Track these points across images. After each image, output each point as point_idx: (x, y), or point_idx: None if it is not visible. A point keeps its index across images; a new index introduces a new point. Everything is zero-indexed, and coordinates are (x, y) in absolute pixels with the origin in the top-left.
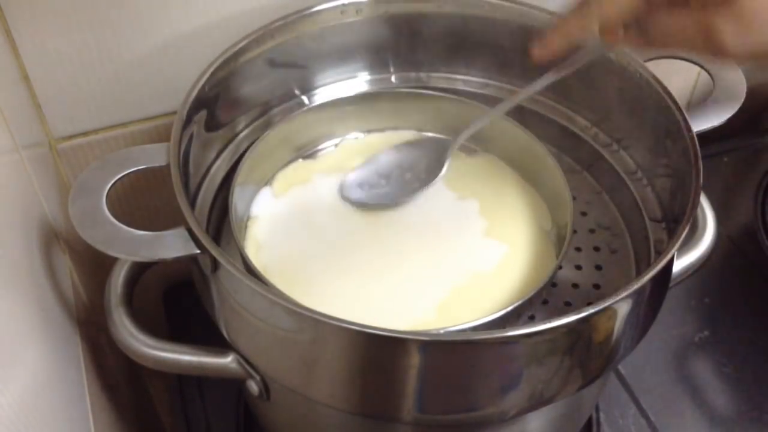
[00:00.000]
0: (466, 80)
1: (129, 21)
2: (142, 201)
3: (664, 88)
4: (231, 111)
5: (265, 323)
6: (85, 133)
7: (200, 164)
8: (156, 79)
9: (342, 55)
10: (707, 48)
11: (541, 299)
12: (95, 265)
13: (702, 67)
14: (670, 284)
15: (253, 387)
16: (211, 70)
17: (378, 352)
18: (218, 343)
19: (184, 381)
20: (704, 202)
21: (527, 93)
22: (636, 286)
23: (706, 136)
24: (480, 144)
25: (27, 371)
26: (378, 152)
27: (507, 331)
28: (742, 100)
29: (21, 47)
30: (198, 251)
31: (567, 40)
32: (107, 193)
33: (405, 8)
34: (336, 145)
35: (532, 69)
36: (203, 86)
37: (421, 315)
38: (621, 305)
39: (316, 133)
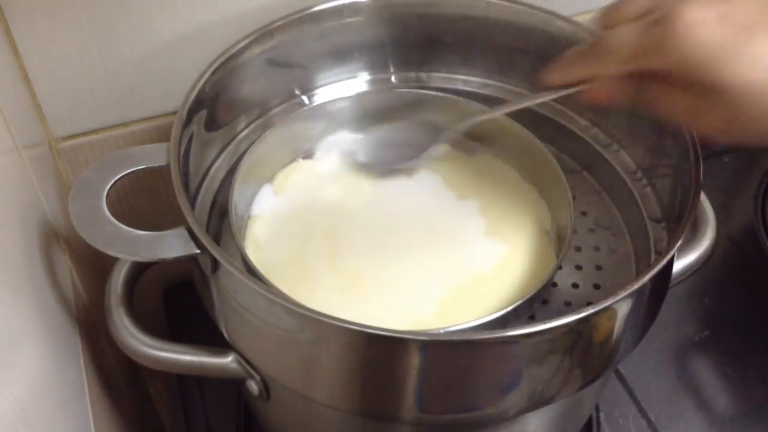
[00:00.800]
0: (466, 80)
1: (129, 21)
2: (142, 201)
3: None
4: (231, 111)
5: (265, 323)
6: (85, 133)
7: (200, 164)
8: (156, 79)
9: (342, 55)
10: (693, 128)
11: (541, 299)
12: (95, 265)
13: None
14: (670, 284)
15: (253, 387)
16: (211, 70)
17: (378, 352)
18: (218, 343)
19: (184, 381)
20: (704, 202)
21: (534, 100)
22: (636, 286)
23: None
24: (480, 143)
25: (27, 371)
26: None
27: (507, 331)
28: None
29: (21, 47)
30: (198, 251)
31: (568, 80)
32: (107, 193)
33: (405, 8)
34: (336, 145)
35: (531, 69)
36: (203, 86)
37: (421, 315)
38: (621, 305)
39: (316, 133)
